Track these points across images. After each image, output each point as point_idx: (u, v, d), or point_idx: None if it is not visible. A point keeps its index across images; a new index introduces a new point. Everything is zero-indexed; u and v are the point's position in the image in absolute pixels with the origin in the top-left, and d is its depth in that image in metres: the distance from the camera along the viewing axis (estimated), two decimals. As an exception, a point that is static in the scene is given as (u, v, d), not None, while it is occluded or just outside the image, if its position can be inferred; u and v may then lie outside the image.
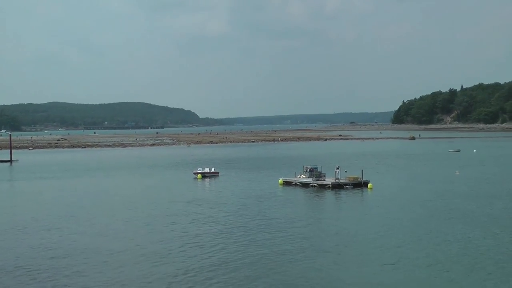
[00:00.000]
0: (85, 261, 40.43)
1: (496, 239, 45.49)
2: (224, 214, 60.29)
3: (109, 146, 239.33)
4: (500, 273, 36.03)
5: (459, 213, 58.20)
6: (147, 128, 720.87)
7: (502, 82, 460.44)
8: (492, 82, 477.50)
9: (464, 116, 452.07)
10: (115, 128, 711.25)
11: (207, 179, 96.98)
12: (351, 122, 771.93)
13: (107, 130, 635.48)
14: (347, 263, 39.27)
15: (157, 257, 41.40)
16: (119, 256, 42.10)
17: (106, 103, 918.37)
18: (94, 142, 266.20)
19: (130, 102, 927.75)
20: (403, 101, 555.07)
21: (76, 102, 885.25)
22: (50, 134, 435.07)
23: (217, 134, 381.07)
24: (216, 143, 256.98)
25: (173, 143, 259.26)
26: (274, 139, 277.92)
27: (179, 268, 38.34)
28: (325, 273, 36.69)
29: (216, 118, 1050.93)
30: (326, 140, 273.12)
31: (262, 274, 36.65)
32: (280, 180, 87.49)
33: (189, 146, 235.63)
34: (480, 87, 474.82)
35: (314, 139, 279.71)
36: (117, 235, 50.10)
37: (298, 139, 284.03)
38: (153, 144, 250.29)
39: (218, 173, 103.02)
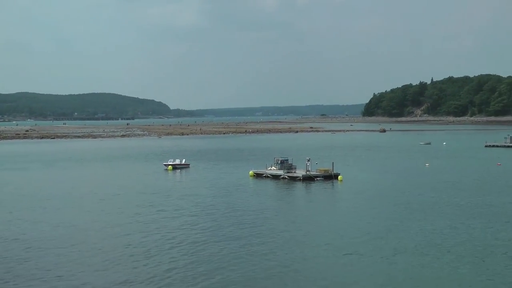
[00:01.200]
0: (50, 251, 39.92)
1: (461, 230, 45.70)
2: (193, 206, 59.92)
3: (78, 137, 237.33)
4: (462, 263, 36.15)
5: (426, 204, 58.49)
6: (118, 119, 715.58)
7: (471, 76, 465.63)
8: (462, 75, 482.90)
9: (434, 109, 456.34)
10: (85, 119, 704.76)
11: (177, 171, 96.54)
12: (322, 115, 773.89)
13: (76, 121, 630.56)
14: (314, 253, 39.12)
15: (121, 248, 41.16)
16: (82, 246, 41.68)
17: (76, 94, 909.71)
18: (64, 133, 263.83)
19: (100, 93, 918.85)
20: (374, 93, 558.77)
21: (45, 93, 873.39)
22: (17, 125, 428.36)
23: (188, 125, 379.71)
24: (187, 134, 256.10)
25: (143, 135, 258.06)
26: (246, 131, 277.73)
27: (142, 258, 38.10)
28: (290, 264, 36.53)
29: (187, 109, 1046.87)
30: (297, 132, 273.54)
31: (226, 265, 36.41)
32: (251, 172, 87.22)
33: (160, 137, 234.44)
34: (450, 80, 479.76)
35: (285, 131, 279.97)
36: (83, 226, 49.52)
37: (269, 131, 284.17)
38: (123, 135, 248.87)
39: (189, 164, 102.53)
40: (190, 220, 51.88)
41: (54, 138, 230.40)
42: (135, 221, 51.74)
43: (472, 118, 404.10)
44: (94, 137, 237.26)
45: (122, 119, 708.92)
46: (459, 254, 38.39)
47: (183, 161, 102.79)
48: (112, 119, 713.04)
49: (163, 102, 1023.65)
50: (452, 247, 40.25)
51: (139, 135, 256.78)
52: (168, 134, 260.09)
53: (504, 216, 51.95)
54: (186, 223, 50.18)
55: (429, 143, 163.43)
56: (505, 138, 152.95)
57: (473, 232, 45.25)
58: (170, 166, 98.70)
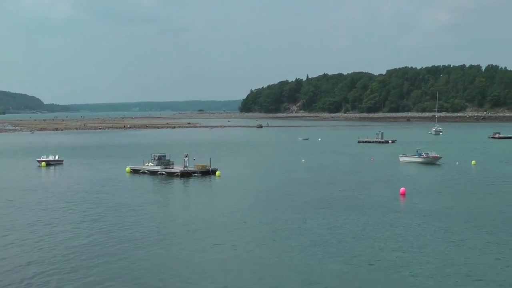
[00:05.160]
0: None
1: (327, 223, 47.27)
2: (62, 202, 58.48)
3: None
4: (329, 254, 37.25)
5: (296, 197, 60.29)
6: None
7: (345, 73, 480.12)
8: (336, 73, 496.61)
9: (310, 105, 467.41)
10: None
11: (51, 167, 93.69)
12: (200, 110, 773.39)
13: None
14: (187, 248, 39.27)
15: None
16: None
17: None
18: None
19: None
20: (251, 89, 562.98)
21: None
22: None
23: (63, 120, 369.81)
24: (62, 130, 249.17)
25: (15, 130, 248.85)
26: (124, 126, 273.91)
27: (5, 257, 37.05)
28: (165, 258, 36.69)
29: (62, 104, 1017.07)
30: (174, 127, 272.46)
31: (99, 262, 35.80)
32: (128, 168, 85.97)
33: (33, 133, 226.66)
34: (325, 77, 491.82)
35: (163, 127, 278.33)
36: None
37: (147, 126, 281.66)
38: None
39: (63, 161, 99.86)
40: (55, 216, 50.75)
41: None
42: (4, 219, 49.73)
43: (346, 114, 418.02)
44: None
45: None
46: (310, 242, 40.59)
47: (57, 157, 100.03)
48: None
49: (36, 96, 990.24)
50: (308, 235, 42.52)
51: (10, 130, 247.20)
52: (41, 129, 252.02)
53: (366, 208, 54.02)
54: (59, 220, 48.81)
55: (307, 139, 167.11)
56: (377, 134, 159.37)
57: (325, 222, 47.67)
58: (43, 163, 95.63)
